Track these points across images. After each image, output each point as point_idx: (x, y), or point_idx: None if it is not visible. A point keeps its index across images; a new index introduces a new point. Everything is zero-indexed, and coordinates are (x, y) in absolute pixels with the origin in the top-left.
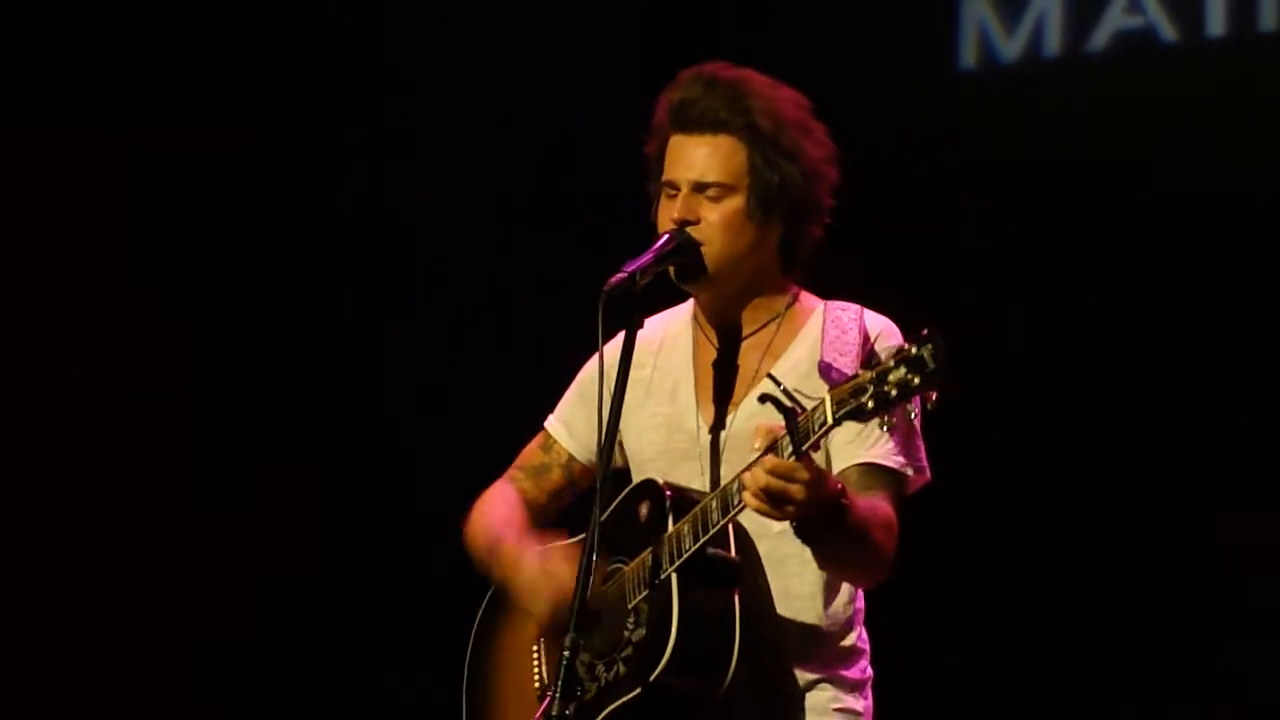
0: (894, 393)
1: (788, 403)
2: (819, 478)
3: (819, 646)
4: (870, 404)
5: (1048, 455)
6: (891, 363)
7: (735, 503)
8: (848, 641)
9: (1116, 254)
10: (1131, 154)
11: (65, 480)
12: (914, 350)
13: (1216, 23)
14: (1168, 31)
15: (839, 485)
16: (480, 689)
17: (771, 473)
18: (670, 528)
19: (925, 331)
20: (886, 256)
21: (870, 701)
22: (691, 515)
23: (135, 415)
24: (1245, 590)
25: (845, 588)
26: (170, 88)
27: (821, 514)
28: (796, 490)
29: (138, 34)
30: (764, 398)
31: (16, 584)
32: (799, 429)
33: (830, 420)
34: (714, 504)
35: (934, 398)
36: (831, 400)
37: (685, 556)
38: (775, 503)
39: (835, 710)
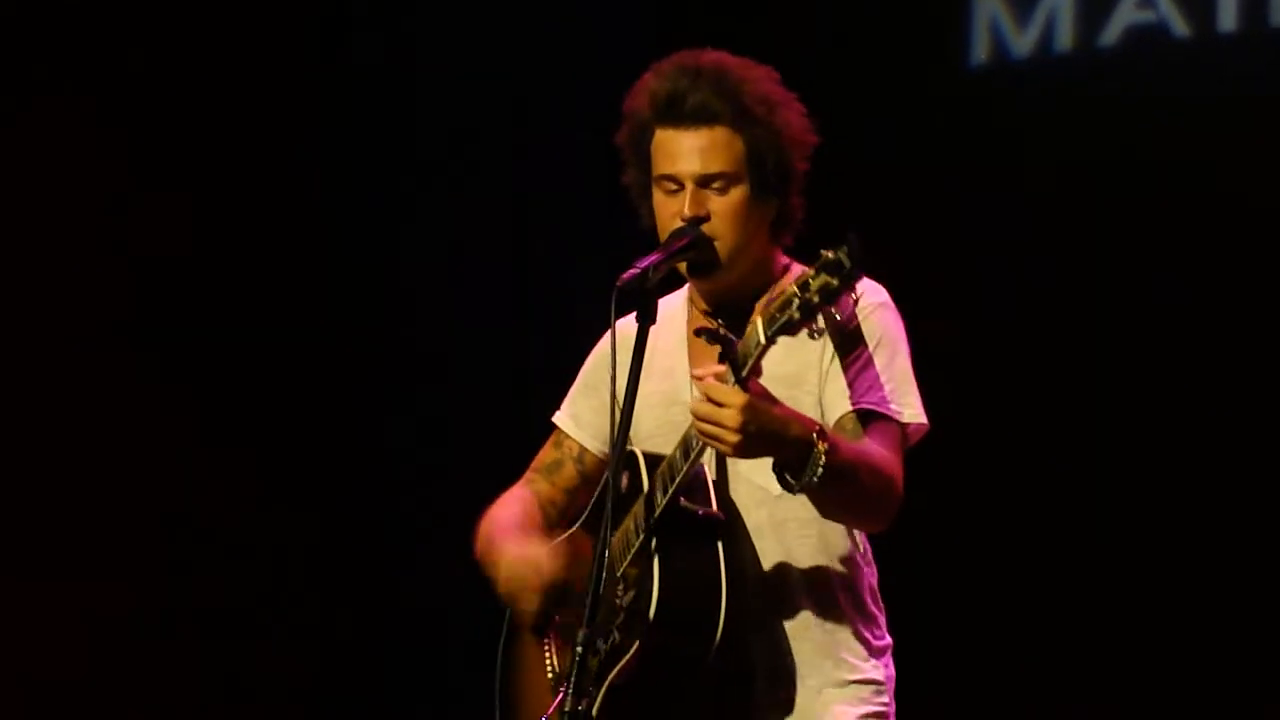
0: (816, 299)
1: (723, 332)
2: (765, 406)
3: (827, 612)
4: (797, 315)
5: (1061, 452)
6: (813, 271)
7: (695, 445)
8: (858, 606)
9: (1127, 249)
10: (1143, 149)
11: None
12: (831, 255)
13: (1228, 18)
14: (1179, 26)
15: (815, 425)
16: (508, 679)
17: (707, 396)
18: (645, 491)
19: (847, 233)
20: (897, 251)
21: (891, 670)
22: (660, 472)
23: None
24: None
25: (852, 551)
26: (176, 81)
27: (797, 452)
28: (730, 416)
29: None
30: (699, 331)
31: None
32: (737, 355)
33: (763, 339)
34: (677, 453)
35: (855, 297)
36: (762, 320)
37: (658, 511)
38: (717, 431)
39: (853, 682)
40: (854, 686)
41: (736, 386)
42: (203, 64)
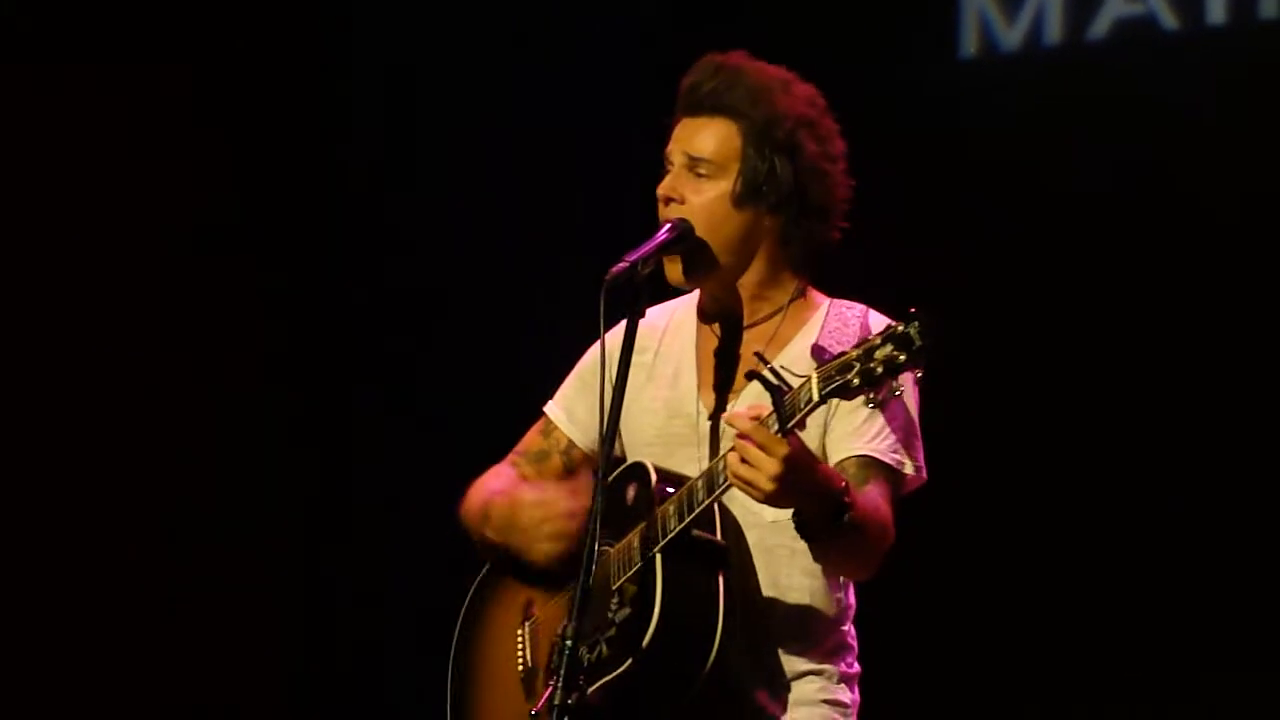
0: (880, 369)
1: (774, 380)
2: (805, 461)
3: (807, 638)
4: (856, 381)
5: (1060, 457)
6: (878, 340)
7: (720, 482)
8: (836, 635)
9: (1117, 244)
10: (1132, 143)
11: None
12: (901, 328)
13: (1217, 11)
14: (1168, 19)
15: (843, 482)
16: (465, 668)
17: (753, 442)
18: (656, 509)
19: (913, 310)
20: (885, 247)
21: (857, 696)
22: (677, 496)
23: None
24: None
25: (835, 581)
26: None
27: (824, 509)
28: (772, 465)
29: None
30: (751, 374)
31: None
32: (785, 406)
33: (816, 397)
34: (700, 484)
35: (919, 374)
36: (818, 377)
37: (670, 537)
38: (754, 476)
39: (823, 701)
40: (824, 707)
41: (780, 436)
42: (208, 66)
